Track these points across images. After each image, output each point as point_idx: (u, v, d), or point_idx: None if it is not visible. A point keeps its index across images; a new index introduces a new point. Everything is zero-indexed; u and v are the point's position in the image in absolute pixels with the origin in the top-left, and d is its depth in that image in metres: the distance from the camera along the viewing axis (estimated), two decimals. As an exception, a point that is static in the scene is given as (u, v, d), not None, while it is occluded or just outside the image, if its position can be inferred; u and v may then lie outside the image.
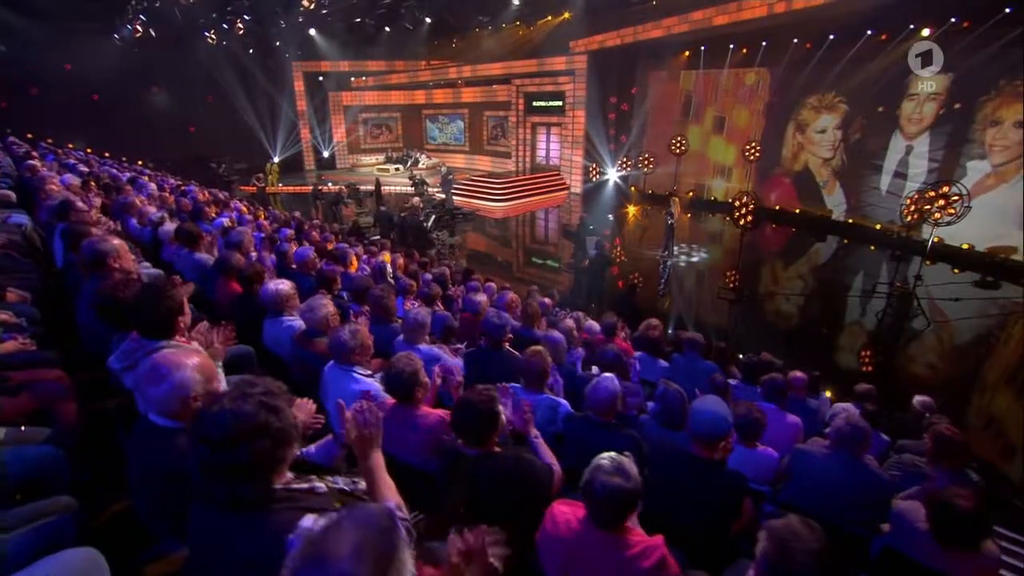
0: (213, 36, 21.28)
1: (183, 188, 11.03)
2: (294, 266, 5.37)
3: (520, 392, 3.25)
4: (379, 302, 3.92)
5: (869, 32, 13.43)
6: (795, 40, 14.98)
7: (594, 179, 19.60)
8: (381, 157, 24.80)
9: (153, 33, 20.31)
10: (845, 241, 14.65)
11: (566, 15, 20.09)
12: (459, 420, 2.24)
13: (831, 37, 14.20)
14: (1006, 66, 10.78)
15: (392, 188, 20.15)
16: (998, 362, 8.42)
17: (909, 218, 10.37)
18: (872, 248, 13.94)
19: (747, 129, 17.46)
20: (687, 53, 17.63)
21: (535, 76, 21.20)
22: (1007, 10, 11.05)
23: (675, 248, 12.70)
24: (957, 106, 11.66)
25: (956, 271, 12.06)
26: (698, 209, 18.23)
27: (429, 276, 7.00)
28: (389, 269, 5.76)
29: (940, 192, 8.51)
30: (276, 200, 19.70)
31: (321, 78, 24.28)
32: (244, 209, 10.45)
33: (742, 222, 9.72)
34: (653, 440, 2.97)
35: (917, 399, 5.26)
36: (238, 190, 19.21)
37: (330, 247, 7.22)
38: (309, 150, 24.98)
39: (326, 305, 3.10)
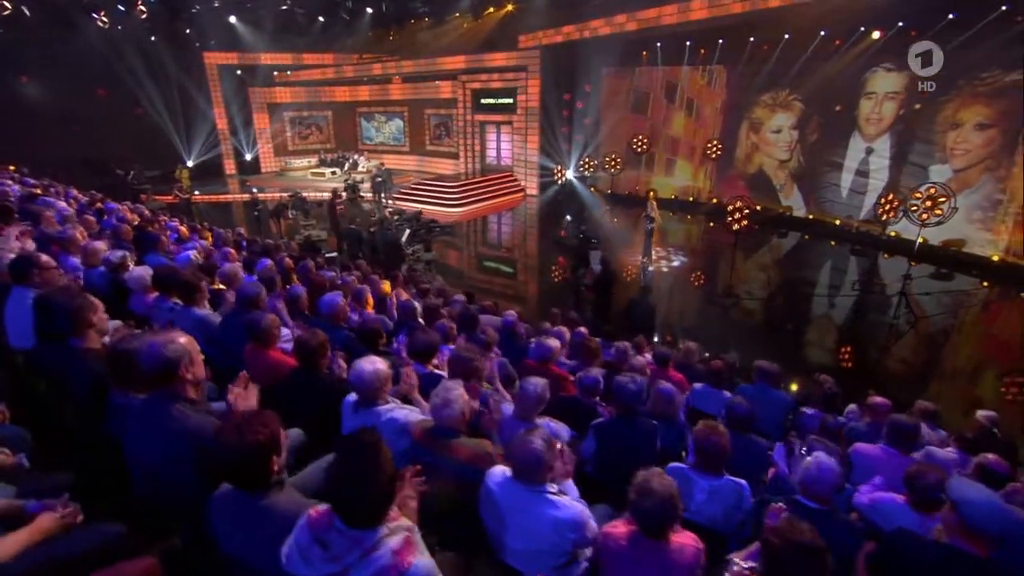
0: (105, 19, 18.63)
1: (100, 206, 9.37)
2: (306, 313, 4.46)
3: (696, 476, 2.70)
4: (474, 370, 3.18)
5: (823, 33, 14.10)
6: (751, 39, 15.46)
7: (559, 180, 19.29)
8: (313, 160, 23.07)
9: (26, 11, 17.42)
10: (806, 237, 15.34)
11: (509, 7, 19.63)
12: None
13: (786, 37, 14.77)
14: (965, 66, 11.55)
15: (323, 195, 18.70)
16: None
17: (885, 216, 10.91)
18: (832, 243, 14.69)
19: (707, 127, 17.87)
20: (644, 51, 17.77)
21: (483, 72, 20.54)
22: (950, 16, 11.95)
23: (653, 252, 12.63)
24: (917, 107, 12.44)
25: (913, 263, 12.93)
26: (664, 209, 18.42)
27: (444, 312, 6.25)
28: (417, 307, 4.96)
29: (927, 193, 8.95)
30: (195, 212, 17.63)
31: (240, 72, 22.13)
32: (184, 231, 9.01)
33: (735, 227, 9.72)
34: (888, 529, 2.51)
35: (981, 414, 5.27)
36: (151, 200, 16.97)
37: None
38: (229, 153, 22.71)
39: (462, 396, 2.37)
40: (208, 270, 4.91)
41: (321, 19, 20.37)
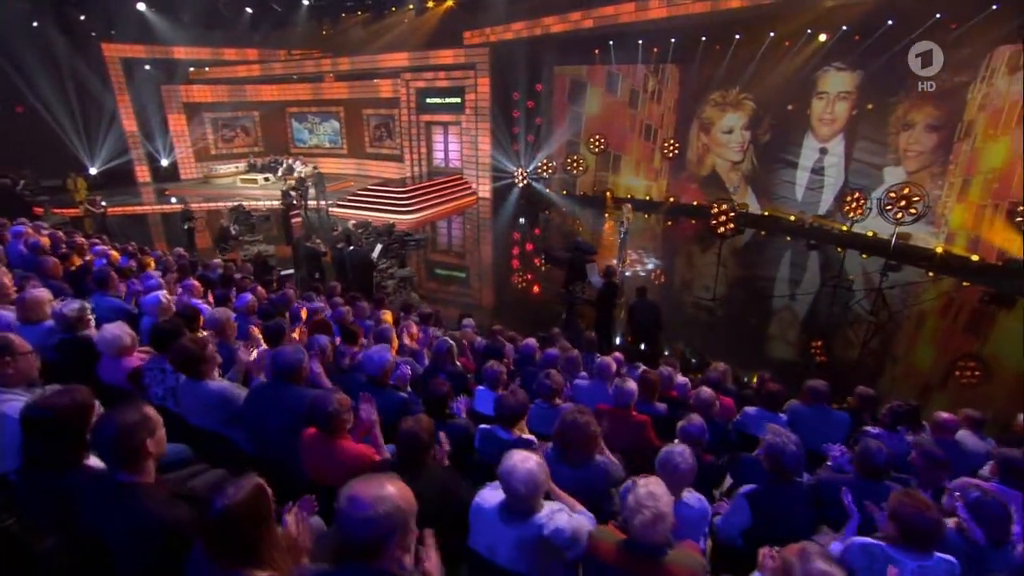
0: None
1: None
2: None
3: (899, 554, 2.29)
4: (592, 438, 2.60)
5: (772, 34, 14.57)
6: (703, 39, 15.74)
7: (521, 183, 18.78)
8: (242, 165, 21.16)
9: None
10: (762, 233, 15.85)
11: (450, 2, 18.91)
12: None
13: (737, 37, 15.16)
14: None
15: (261, 204, 17.18)
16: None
17: (852, 214, 11.35)
18: (788, 239, 15.26)
19: (663, 127, 18.05)
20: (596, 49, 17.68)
21: (428, 70, 19.68)
22: (889, 22, 12.68)
23: (626, 256, 12.48)
24: (869, 106, 13.11)
25: (864, 256, 13.65)
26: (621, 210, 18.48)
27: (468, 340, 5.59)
28: (453, 346, 4.27)
29: (901, 193, 9.35)
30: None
31: (149, 67, 19.82)
32: (115, 255, 7.65)
33: (721, 230, 9.68)
34: None
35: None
36: (50, 215, 14.74)
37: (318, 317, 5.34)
38: (142, 159, 20.28)
39: (671, 502, 1.80)
40: (187, 317, 3.97)
41: (249, 10, 18.62)
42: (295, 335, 4.01)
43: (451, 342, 4.22)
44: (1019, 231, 10.08)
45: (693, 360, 7.82)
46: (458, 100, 19.63)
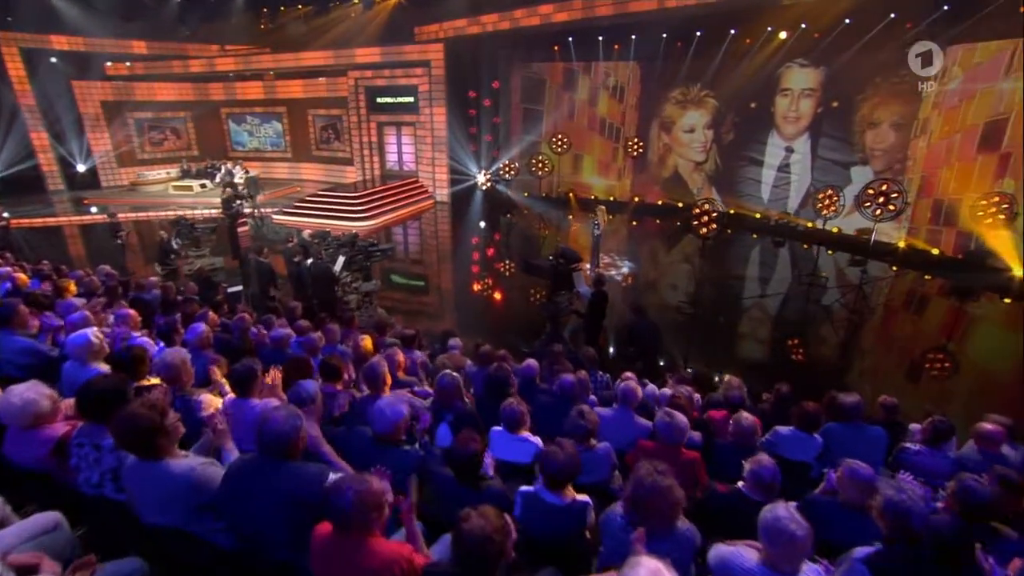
0: None
1: None
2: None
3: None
4: (676, 505, 2.06)
5: (732, 31, 14.68)
6: (664, 35, 15.68)
7: (484, 185, 18.09)
8: (174, 171, 19.45)
9: None
10: (728, 231, 15.93)
11: (400, -2, 18.16)
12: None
13: (698, 34, 15.18)
14: (879, 63, 12.48)
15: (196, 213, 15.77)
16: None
17: (825, 212, 11.46)
18: (754, 236, 15.39)
19: (626, 125, 17.92)
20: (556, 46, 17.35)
21: (379, 67, 18.76)
22: (846, 21, 12.99)
23: (600, 260, 12.14)
24: (835, 104, 13.35)
25: (830, 252, 13.92)
26: (586, 210, 18.23)
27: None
28: (459, 381, 3.63)
29: (880, 190, 9.43)
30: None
31: (55, 60, 17.84)
32: (22, 278, 6.51)
33: (704, 231, 9.47)
34: None
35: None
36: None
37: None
38: (52, 163, 18.23)
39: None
40: (129, 361, 3.15)
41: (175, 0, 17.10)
42: (268, 378, 3.27)
43: (457, 376, 3.59)
44: (985, 224, 10.39)
45: (689, 371, 7.50)
46: (411, 99, 18.83)
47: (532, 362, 5.11)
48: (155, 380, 3.13)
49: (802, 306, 10.56)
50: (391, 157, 20.38)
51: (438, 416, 3.46)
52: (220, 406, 3.09)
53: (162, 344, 4.50)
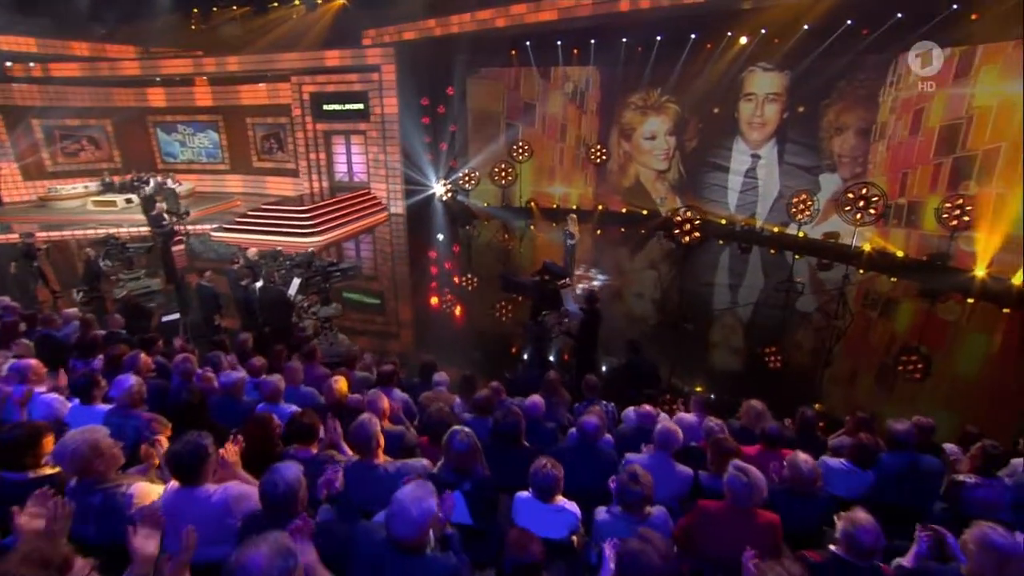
0: None
1: None
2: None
3: None
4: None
5: (693, 36, 14.69)
6: (624, 40, 15.54)
7: (444, 196, 17.32)
8: (93, 184, 17.63)
9: None
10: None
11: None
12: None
13: (659, 39, 15.12)
14: (843, 68, 12.63)
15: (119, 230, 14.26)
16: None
17: (799, 217, 11.45)
18: (720, 242, 15.37)
19: (587, 132, 17.67)
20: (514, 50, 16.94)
21: (324, 72, 17.78)
22: (805, 27, 13.21)
23: (575, 273, 11.68)
24: (801, 109, 13.47)
25: (797, 256, 14.03)
26: (549, 219, 17.85)
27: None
28: (477, 445, 2.93)
29: (860, 194, 9.41)
30: None
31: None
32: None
33: (686, 239, 9.15)
34: None
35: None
36: None
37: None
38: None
39: None
40: (18, 443, 2.30)
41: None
42: (226, 452, 2.50)
43: (471, 434, 2.91)
44: (944, 227, 10.62)
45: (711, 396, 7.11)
46: (361, 106, 17.94)
47: (537, 399, 4.48)
48: (54, 470, 2.31)
49: (787, 315, 10.44)
50: (341, 168, 19.34)
51: (456, 485, 2.77)
52: (159, 496, 2.30)
53: (76, 401, 3.59)
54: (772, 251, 14.37)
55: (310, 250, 8.46)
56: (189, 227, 14.79)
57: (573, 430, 3.96)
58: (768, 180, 14.36)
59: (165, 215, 10.72)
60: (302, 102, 18.16)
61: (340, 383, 4.26)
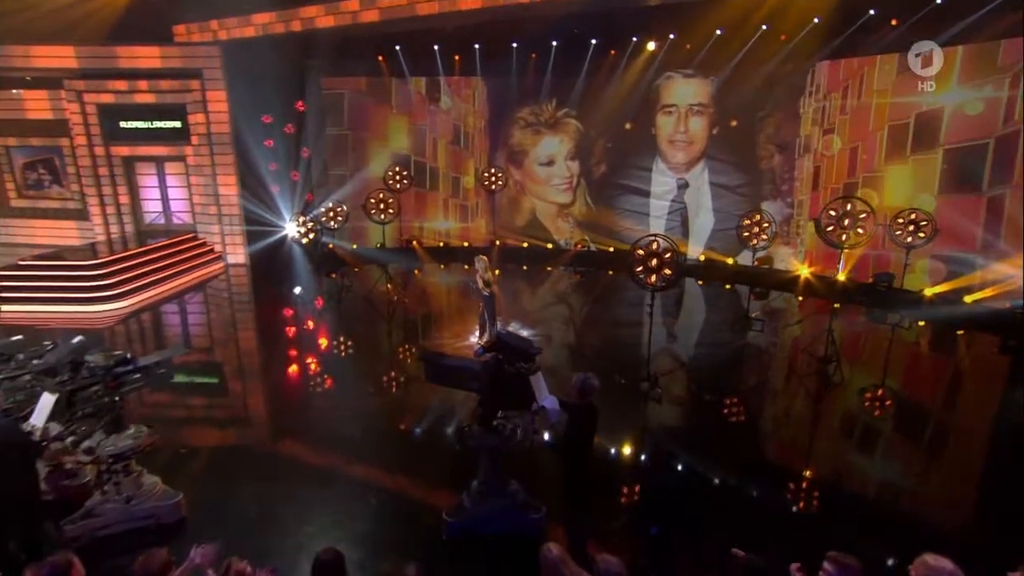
0: None
1: None
2: None
3: None
4: None
5: (594, 42, 13.36)
6: (515, 45, 13.80)
7: (302, 237, 13.71)
8: None
9: None
10: (609, 272, 14.32)
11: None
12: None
13: (555, 44, 13.57)
14: (768, 76, 11.81)
15: None
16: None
17: (754, 242, 10.22)
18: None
19: (471, 154, 15.53)
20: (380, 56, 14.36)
21: (117, 76, 13.64)
22: (718, 31, 12.48)
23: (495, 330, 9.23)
24: (734, 123, 12.47)
25: (728, 286, 13.05)
26: (436, 260, 15.29)
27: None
28: None
29: (845, 210, 8.17)
30: None
31: None
32: None
33: (653, 278, 7.24)
34: None
35: None
36: None
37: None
38: None
39: None
40: None
41: None
42: None
43: None
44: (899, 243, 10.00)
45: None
46: (177, 124, 14.05)
47: None
48: None
49: (766, 361, 8.97)
50: (152, 206, 15.04)
51: None
52: None
53: None
54: (700, 281, 13.28)
55: (78, 339, 4.94)
56: None
57: None
58: (698, 209, 13.18)
59: None
60: (86, 117, 13.76)
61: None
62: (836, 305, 11.61)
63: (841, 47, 11.21)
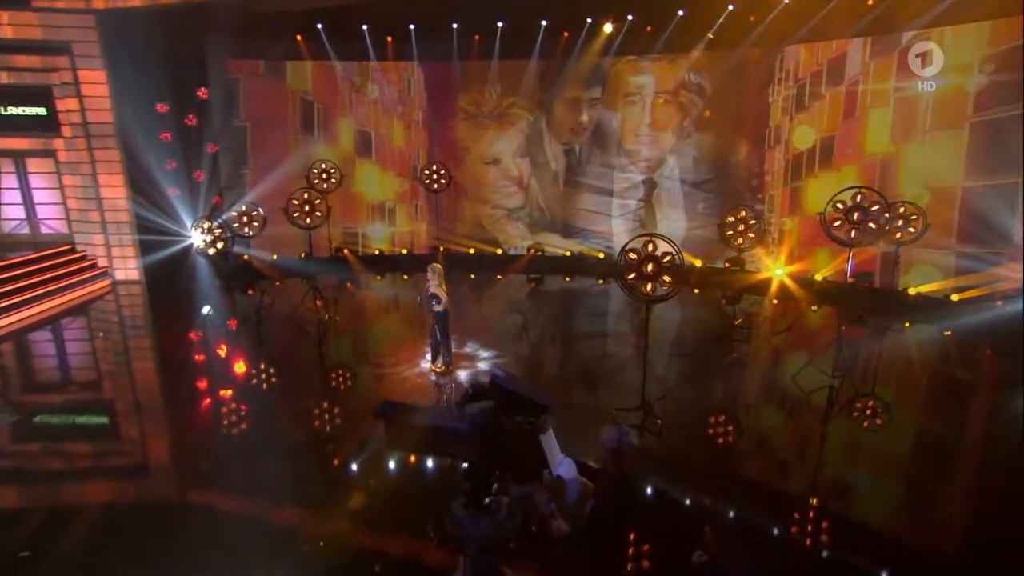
0: None
1: None
2: None
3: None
4: None
5: (544, 23, 12.26)
6: (455, 26, 12.47)
7: (207, 246, 11.55)
8: None
9: None
10: (567, 279, 13.28)
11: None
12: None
13: (500, 25, 12.36)
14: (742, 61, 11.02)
15: None
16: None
17: (740, 240, 9.35)
18: (600, 282, 13.01)
19: (408, 149, 14.00)
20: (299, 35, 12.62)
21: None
22: (680, 12, 11.66)
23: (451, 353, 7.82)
24: (707, 114, 11.60)
25: (696, 291, 12.27)
26: (372, 270, 13.65)
27: None
28: None
29: (857, 203, 7.32)
30: None
31: None
32: None
33: (648, 288, 6.11)
34: None
35: None
36: None
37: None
38: None
39: None
40: None
41: None
42: None
43: None
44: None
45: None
46: (42, 111, 11.73)
47: None
48: None
49: (776, 379, 8.03)
50: (12, 212, 12.52)
51: None
52: None
53: None
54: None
55: None
56: None
57: None
58: (668, 211, 12.28)
59: None
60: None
61: None
62: (813, 308, 11.08)
63: (813, 30, 10.62)
